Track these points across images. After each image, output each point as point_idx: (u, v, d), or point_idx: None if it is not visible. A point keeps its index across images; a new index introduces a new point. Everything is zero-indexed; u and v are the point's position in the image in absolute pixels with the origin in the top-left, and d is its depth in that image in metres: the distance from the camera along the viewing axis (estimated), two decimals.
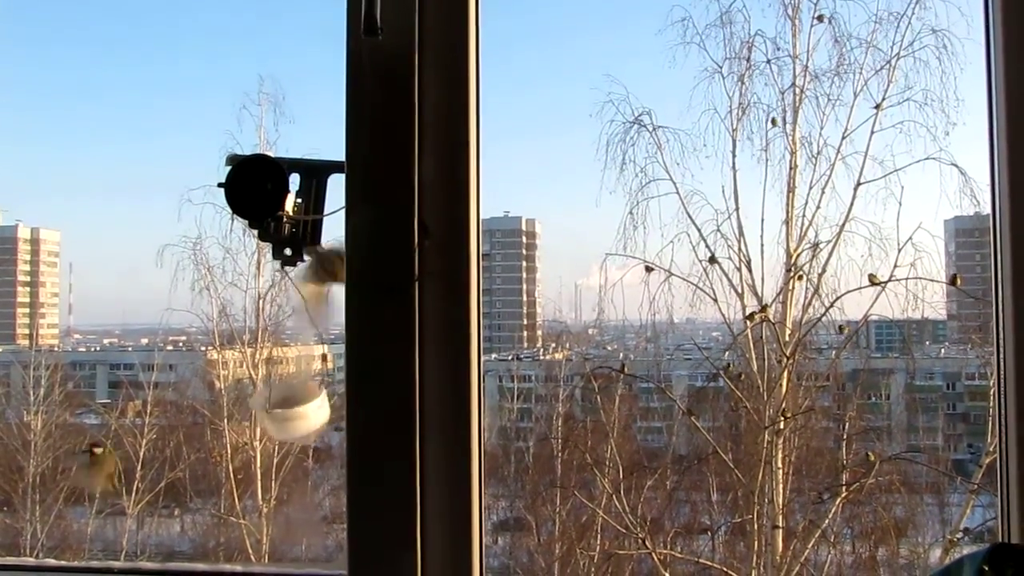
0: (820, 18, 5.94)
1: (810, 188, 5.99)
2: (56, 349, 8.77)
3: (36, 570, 1.83)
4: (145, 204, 8.83)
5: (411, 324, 1.58)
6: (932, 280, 5.81)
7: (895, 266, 5.76)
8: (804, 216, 5.97)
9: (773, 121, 5.98)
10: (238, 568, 1.73)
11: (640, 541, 6.03)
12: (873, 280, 5.71)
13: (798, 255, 5.96)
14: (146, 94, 8.18)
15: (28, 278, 8.81)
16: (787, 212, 5.98)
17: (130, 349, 8.94)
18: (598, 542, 6.52)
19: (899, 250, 5.76)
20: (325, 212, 1.64)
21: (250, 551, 6.92)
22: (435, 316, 1.60)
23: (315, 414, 1.70)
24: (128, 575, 1.78)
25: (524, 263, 8.26)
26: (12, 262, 8.68)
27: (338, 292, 1.60)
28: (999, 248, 1.61)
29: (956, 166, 5.79)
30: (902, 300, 5.84)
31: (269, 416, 1.72)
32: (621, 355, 7.51)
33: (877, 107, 5.88)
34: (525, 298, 8.24)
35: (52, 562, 1.90)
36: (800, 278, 5.97)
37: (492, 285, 7.95)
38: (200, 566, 1.71)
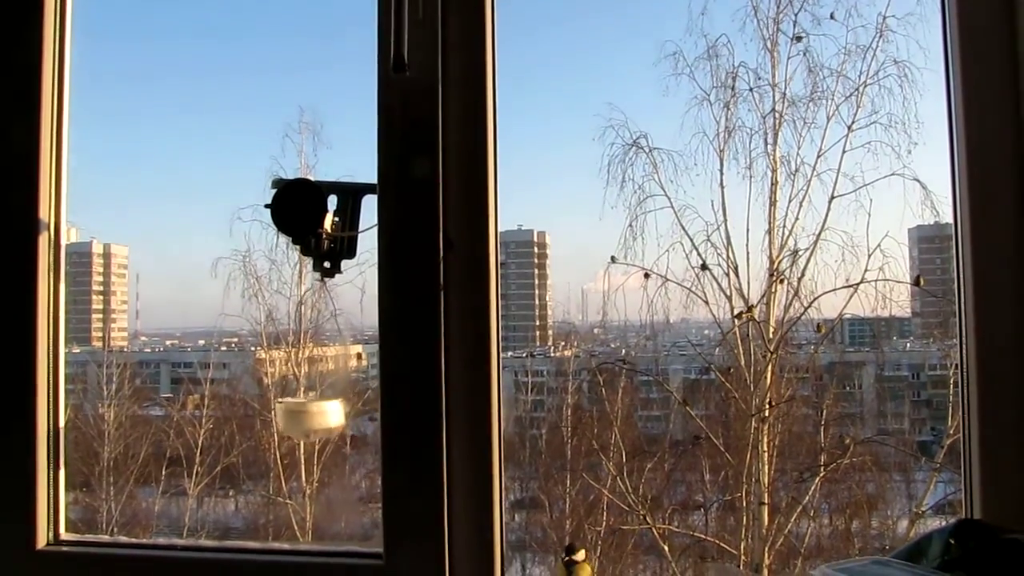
0: (799, 38, 5.89)
1: (789, 201, 5.96)
2: (125, 350, 8.79)
3: (111, 546, 1.83)
4: (201, 222, 8.86)
5: (437, 326, 1.57)
6: (898, 282, 5.78)
7: (865, 270, 5.73)
8: (784, 226, 5.95)
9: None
10: (286, 546, 1.72)
11: (641, 517, 6.02)
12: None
13: (780, 261, 5.93)
14: (198, 121, 8.20)
15: (101, 288, 8.84)
16: (769, 223, 5.96)
17: (189, 350, 8.96)
18: (604, 518, 6.50)
19: (869, 256, 5.73)
20: (360, 229, 1.63)
21: (295, 528, 6.93)
22: (459, 319, 1.59)
23: (326, 413, 1.67)
24: (190, 551, 1.77)
25: (536, 271, 8.24)
26: (87, 274, 8.71)
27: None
28: (961, 252, 1.59)
29: (918, 181, 5.75)
30: (872, 300, 5.81)
31: (281, 408, 1.71)
32: (623, 351, 7.49)
33: (848, 129, 5.86)
34: (537, 302, 8.21)
35: (124, 539, 1.90)
36: (782, 282, 5.94)
37: (508, 291, 7.94)
38: (252, 544, 1.71)
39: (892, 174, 5.77)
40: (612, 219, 6.32)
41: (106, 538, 1.95)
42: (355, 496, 7.58)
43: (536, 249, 8.31)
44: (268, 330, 7.30)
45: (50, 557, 1.72)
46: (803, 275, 5.95)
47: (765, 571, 5.45)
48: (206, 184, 8.69)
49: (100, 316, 8.89)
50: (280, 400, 1.73)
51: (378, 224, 1.60)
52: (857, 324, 6.57)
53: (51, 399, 1.74)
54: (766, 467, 5.84)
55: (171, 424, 7.86)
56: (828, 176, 5.91)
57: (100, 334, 8.83)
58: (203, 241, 8.59)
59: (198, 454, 7.56)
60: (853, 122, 5.86)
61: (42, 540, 1.72)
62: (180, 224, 8.76)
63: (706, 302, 6.10)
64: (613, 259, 6.26)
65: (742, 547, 5.78)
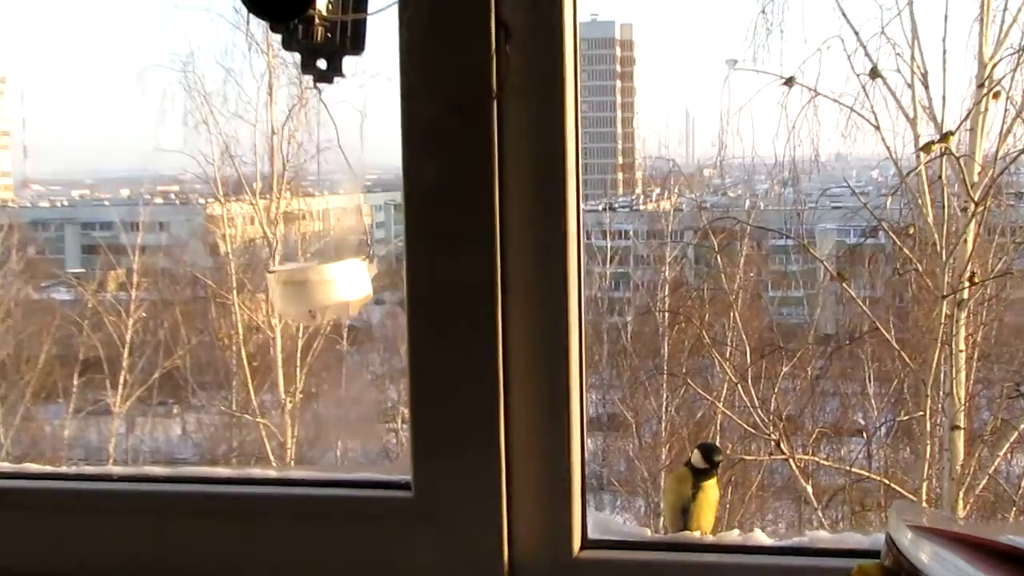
0: None
1: None
2: (11, 204, 8.95)
3: (15, 477, 1.90)
4: (119, 13, 8.84)
5: (489, 154, 1.57)
6: None
7: None
8: (1006, 10, 5.80)
9: None
10: (270, 473, 1.77)
11: (773, 444, 6.10)
12: None
13: (994, 65, 5.80)
14: None
15: None
16: (981, 6, 5.81)
17: (107, 203, 9.08)
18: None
19: None
20: (370, 10, 1.61)
21: (271, 456, 7.14)
22: (519, 143, 1.59)
23: (340, 280, 1.68)
24: (131, 482, 1.84)
25: (619, 83, 8.18)
26: None
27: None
28: None
29: None
30: None
31: (275, 279, 1.71)
32: (748, 203, 7.47)
33: None
34: (620, 129, 8.19)
35: (34, 467, 1.97)
36: (997, 96, 5.81)
37: None
38: (222, 470, 1.76)
39: None
40: (734, 3, 6.23)
41: (7, 467, 2.03)
42: (357, 411, 7.79)
43: (618, 51, 8.23)
44: (224, 173, 7.36)
45: None
46: None
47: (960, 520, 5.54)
48: None
49: None
50: (272, 269, 1.75)
51: (398, 3, 1.58)
52: None
53: None
54: (963, 375, 5.86)
55: (84, 312, 8.05)
56: None
57: None
58: (123, 41, 8.58)
59: (126, 355, 7.76)
60: None
61: None
62: (86, 17, 8.76)
63: (877, 128, 6.03)
64: (735, 63, 6.18)
65: (924, 489, 5.86)
